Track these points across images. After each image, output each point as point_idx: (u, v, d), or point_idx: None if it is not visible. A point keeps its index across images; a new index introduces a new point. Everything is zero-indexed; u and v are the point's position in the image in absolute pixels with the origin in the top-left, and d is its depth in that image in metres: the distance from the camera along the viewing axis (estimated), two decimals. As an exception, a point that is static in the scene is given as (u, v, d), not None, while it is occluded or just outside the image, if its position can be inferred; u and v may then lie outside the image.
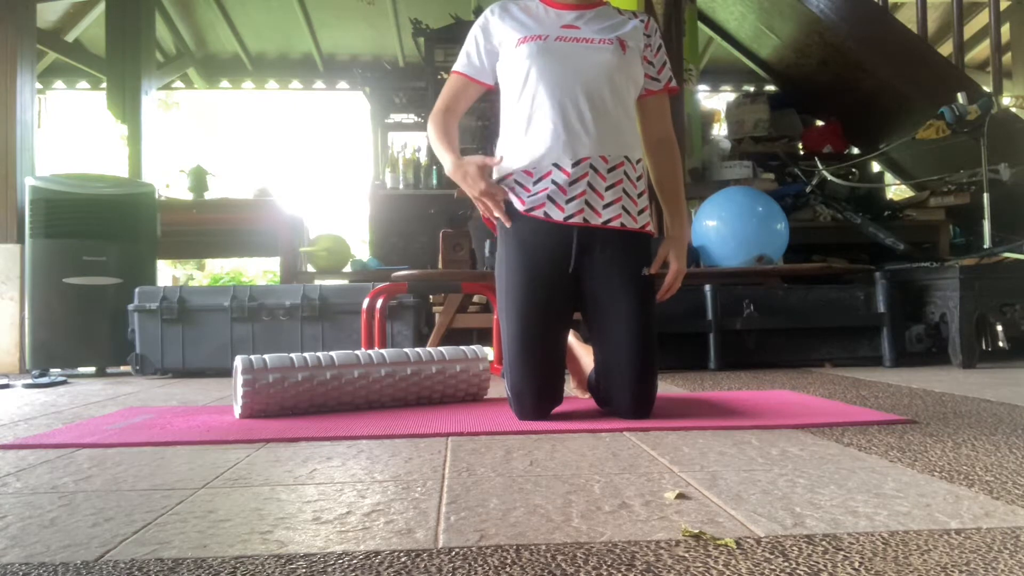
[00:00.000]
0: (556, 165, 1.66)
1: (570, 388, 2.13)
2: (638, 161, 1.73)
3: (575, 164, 1.65)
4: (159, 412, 2.01)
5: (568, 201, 1.65)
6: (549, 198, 1.66)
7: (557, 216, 1.66)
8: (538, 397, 1.70)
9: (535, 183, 1.68)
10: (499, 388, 2.43)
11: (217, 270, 11.31)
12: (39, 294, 3.44)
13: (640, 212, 1.72)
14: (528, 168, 1.69)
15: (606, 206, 1.67)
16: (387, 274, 3.74)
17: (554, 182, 1.66)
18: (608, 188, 1.67)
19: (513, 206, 1.70)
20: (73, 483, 1.19)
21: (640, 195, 1.73)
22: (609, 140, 1.67)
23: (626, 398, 1.67)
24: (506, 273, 1.72)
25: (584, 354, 2.02)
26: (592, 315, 1.73)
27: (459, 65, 1.81)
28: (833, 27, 4.12)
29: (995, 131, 3.22)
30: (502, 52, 1.75)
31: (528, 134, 1.69)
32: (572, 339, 2.08)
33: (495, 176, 1.75)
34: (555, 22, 1.73)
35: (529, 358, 1.68)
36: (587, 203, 1.66)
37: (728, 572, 0.73)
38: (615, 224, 1.68)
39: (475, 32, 1.79)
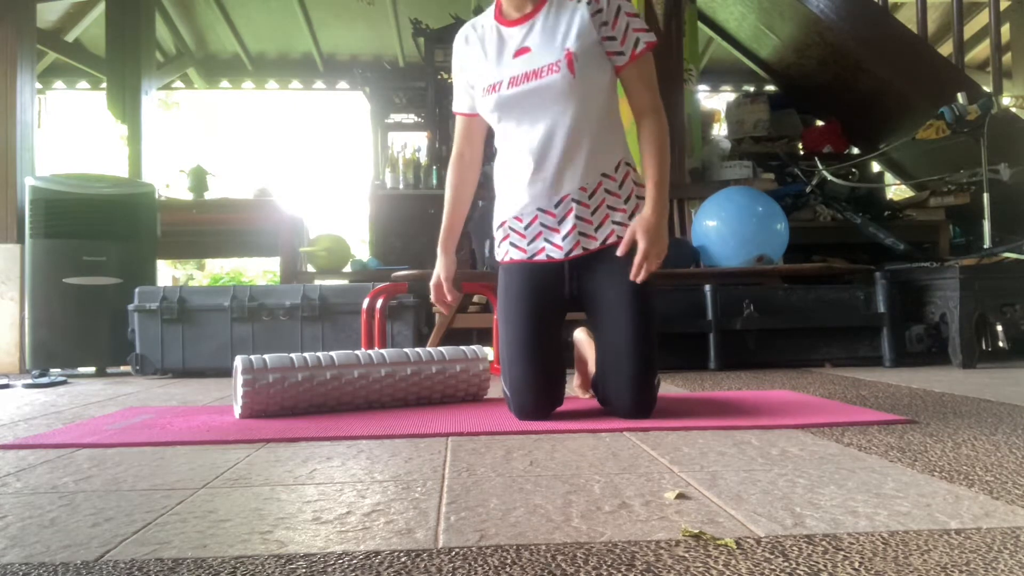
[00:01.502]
0: (540, 209, 1.72)
1: (571, 388, 2.13)
2: (616, 167, 1.72)
3: (557, 204, 1.70)
4: (159, 412, 2.01)
5: (564, 238, 1.71)
6: (546, 240, 1.73)
7: (558, 255, 1.73)
8: (539, 395, 1.70)
9: (527, 227, 1.75)
10: (495, 388, 2.43)
11: (217, 270, 11.31)
12: (39, 294, 3.44)
13: (631, 216, 1.71)
14: (518, 215, 1.76)
15: (597, 228, 1.71)
16: (387, 274, 3.74)
17: (543, 225, 1.73)
18: (594, 212, 1.71)
19: (515, 260, 1.78)
20: (73, 483, 1.19)
21: (626, 199, 1.72)
22: (584, 170, 1.68)
23: (625, 399, 1.67)
24: (505, 303, 1.78)
25: (593, 353, 2.03)
26: (593, 319, 1.77)
27: (456, 105, 1.85)
28: (833, 27, 4.12)
29: (995, 131, 3.22)
30: (475, 91, 1.76)
31: (511, 180, 1.75)
32: (583, 336, 2.07)
33: (495, 221, 1.83)
34: (508, 52, 1.68)
35: (529, 358, 1.70)
36: (581, 233, 1.71)
37: (728, 572, 0.73)
38: (612, 240, 1.71)
39: (455, 71, 1.83)
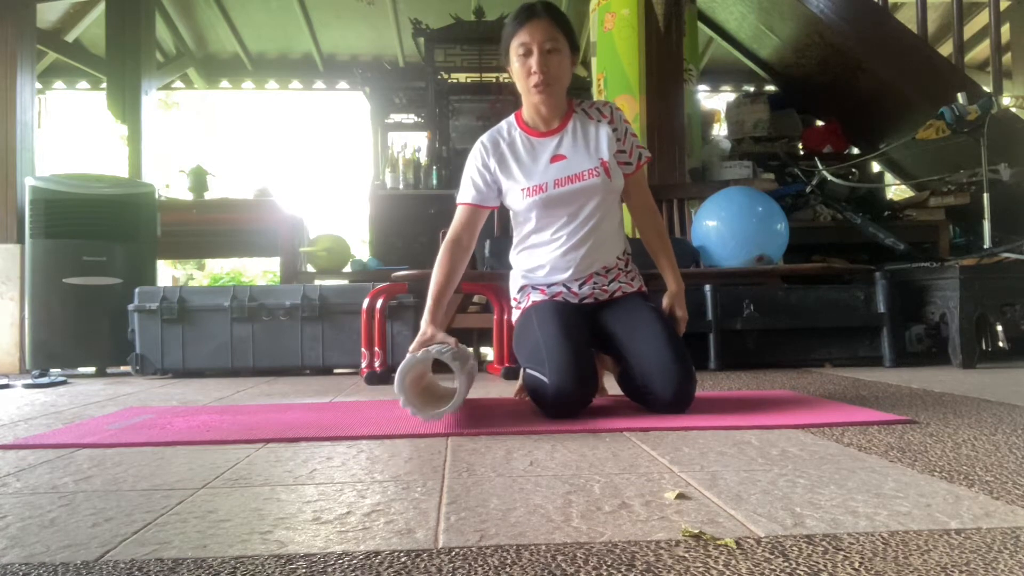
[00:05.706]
0: (566, 287, 1.95)
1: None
2: (623, 252, 2.01)
3: (581, 285, 1.94)
4: (159, 412, 2.01)
5: (580, 295, 1.95)
6: (565, 286, 1.95)
7: (574, 300, 1.95)
8: (580, 380, 1.73)
9: (548, 287, 1.96)
10: (495, 387, 2.44)
11: (217, 270, 11.31)
12: (39, 294, 3.44)
13: (633, 280, 2.02)
14: (542, 284, 1.96)
15: (608, 286, 1.97)
16: (387, 274, 3.74)
17: (566, 298, 1.95)
18: (610, 283, 1.97)
19: (536, 301, 1.95)
20: (73, 483, 1.19)
21: (630, 274, 2.02)
22: (605, 254, 1.95)
23: (672, 393, 1.75)
24: (535, 316, 1.88)
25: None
26: (622, 340, 1.87)
27: (466, 197, 1.95)
28: (833, 27, 4.12)
29: (995, 131, 3.22)
30: (504, 188, 1.93)
31: (538, 262, 1.94)
32: None
33: (519, 282, 2.01)
34: (544, 158, 1.90)
35: (568, 343, 1.76)
36: (594, 290, 1.95)
37: (728, 572, 0.73)
38: (619, 294, 1.98)
39: (476, 166, 1.95)
